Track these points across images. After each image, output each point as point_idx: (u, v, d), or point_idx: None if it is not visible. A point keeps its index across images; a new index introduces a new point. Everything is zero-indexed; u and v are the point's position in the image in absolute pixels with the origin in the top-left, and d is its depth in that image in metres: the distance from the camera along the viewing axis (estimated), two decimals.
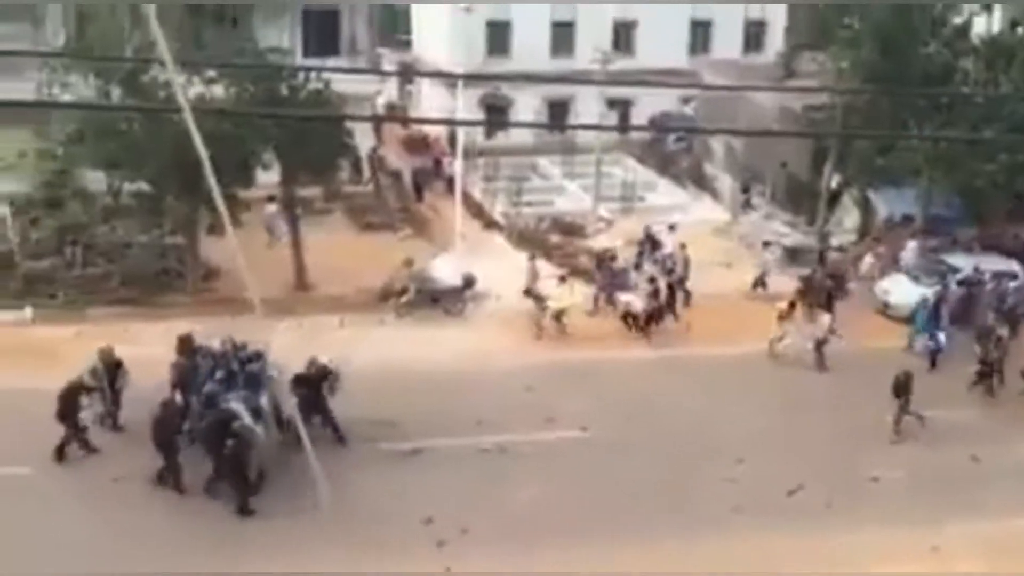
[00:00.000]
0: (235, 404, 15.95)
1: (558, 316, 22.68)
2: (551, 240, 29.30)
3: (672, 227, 25.82)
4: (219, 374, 17.02)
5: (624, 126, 37.52)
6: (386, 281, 24.43)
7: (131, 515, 15.43)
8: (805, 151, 29.96)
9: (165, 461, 15.91)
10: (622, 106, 38.36)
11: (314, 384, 17.37)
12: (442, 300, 24.18)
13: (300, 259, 24.82)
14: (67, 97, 23.19)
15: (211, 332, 18.91)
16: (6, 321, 22.12)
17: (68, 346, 20.40)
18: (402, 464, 17.18)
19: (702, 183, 35.04)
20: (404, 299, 23.98)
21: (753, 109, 30.44)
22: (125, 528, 15.10)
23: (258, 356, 17.40)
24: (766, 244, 28.51)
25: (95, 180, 25.27)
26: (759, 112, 30.40)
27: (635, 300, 23.25)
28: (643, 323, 22.84)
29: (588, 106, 34.80)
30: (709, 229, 30.18)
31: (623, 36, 39.47)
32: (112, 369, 17.74)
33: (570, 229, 30.36)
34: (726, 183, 33.77)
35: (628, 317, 23.14)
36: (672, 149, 37.54)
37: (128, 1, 21.31)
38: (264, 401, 16.49)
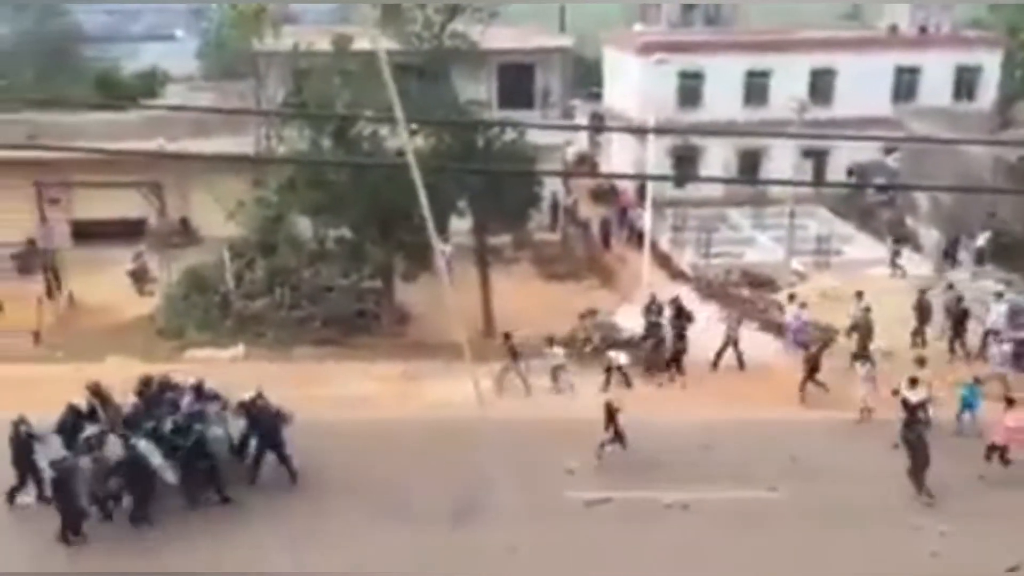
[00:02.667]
0: (145, 445, 16.30)
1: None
2: (740, 292, 28.65)
3: (859, 294, 24.53)
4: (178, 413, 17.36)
5: (819, 183, 36.27)
6: (571, 330, 24.61)
7: None
8: (1021, 204, 27.97)
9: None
10: (818, 157, 37.22)
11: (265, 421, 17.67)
12: (624, 350, 24.04)
13: (488, 306, 25.42)
14: (282, 150, 25.06)
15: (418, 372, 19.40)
16: (221, 357, 23.87)
17: (272, 382, 21.76)
18: (585, 513, 17.15)
19: (904, 237, 33.35)
20: (587, 348, 24.05)
21: (963, 160, 28.76)
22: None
23: (215, 396, 18.04)
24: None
25: (304, 227, 27.09)
26: (970, 163, 28.67)
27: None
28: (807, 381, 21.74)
29: (782, 156, 34.01)
30: (908, 285, 28.60)
31: (821, 84, 38.43)
32: (102, 403, 18.00)
33: (760, 282, 29.59)
34: (931, 237, 31.98)
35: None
36: (872, 201, 36.00)
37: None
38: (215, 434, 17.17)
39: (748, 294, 28.62)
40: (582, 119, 45.05)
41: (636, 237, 32.30)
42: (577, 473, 18.39)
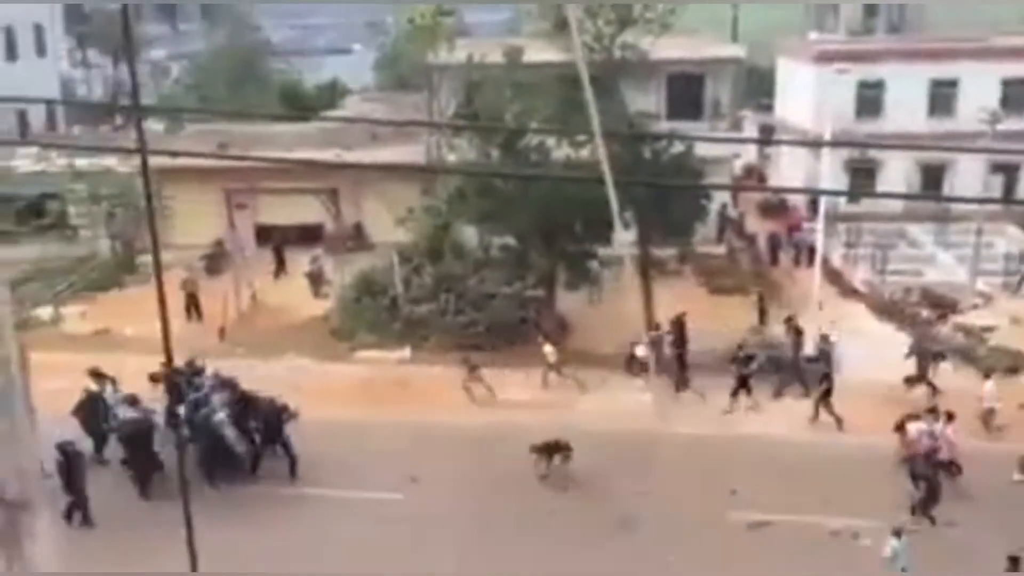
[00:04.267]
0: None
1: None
2: (919, 314, 27.16)
3: None
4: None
5: (1009, 199, 33.98)
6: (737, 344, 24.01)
7: None
8: None
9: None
10: (1008, 171, 34.88)
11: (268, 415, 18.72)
12: (791, 369, 23.26)
13: (651, 317, 25.14)
14: (452, 159, 25.71)
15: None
16: (389, 359, 24.68)
17: (436, 385, 22.38)
18: (746, 535, 16.69)
19: None
20: (752, 366, 23.38)
21: None
22: None
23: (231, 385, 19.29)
24: None
25: (470, 235, 27.67)
26: None
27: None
28: None
29: (969, 171, 32.06)
30: None
31: (1013, 94, 35.98)
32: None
33: (942, 303, 27.94)
34: None
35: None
36: None
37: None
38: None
39: (928, 315, 27.10)
40: (752, 131, 43.96)
41: (806, 252, 31.20)
42: (741, 493, 17.90)
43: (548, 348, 23.06)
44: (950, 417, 18.53)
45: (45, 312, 27.60)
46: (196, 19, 73.12)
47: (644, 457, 19.38)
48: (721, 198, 31.69)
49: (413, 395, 22.35)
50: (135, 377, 19.73)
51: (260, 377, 20.76)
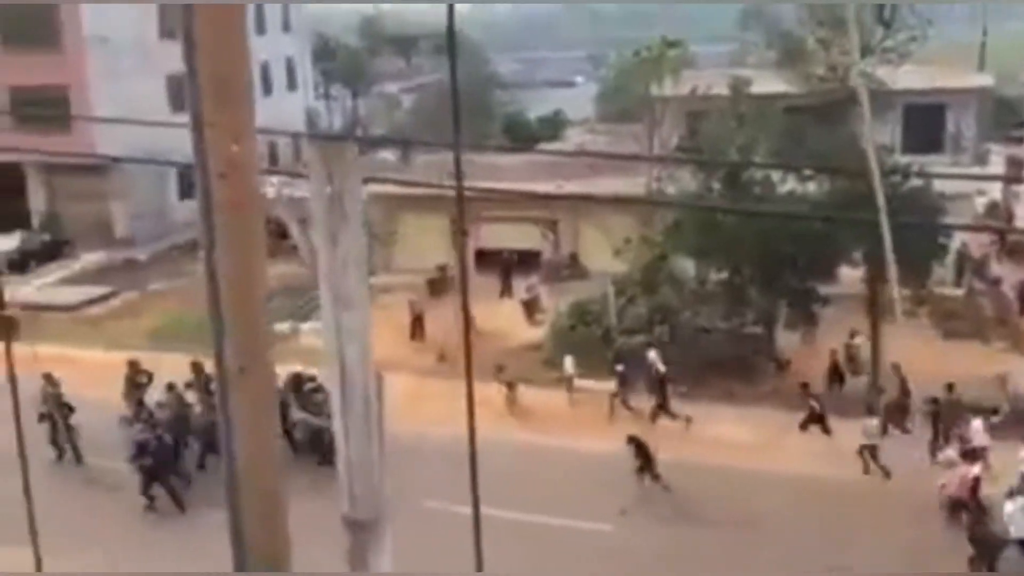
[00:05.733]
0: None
1: None
2: None
3: None
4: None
5: None
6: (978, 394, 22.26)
7: None
8: None
9: None
10: None
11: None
12: None
13: (876, 360, 23.80)
14: (671, 191, 25.51)
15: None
16: (600, 389, 24.69)
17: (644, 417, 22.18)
18: None
19: None
20: (995, 418, 21.54)
21: None
22: None
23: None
24: None
25: (686, 267, 27.29)
26: None
27: None
28: None
29: None
30: None
31: None
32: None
33: None
34: None
35: None
36: None
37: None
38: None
39: None
40: (997, 166, 40.80)
41: None
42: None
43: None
44: None
45: (284, 326, 29.73)
46: (429, 54, 76.99)
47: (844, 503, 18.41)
48: (961, 237, 29.58)
49: (622, 426, 22.20)
50: None
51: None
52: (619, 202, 29.49)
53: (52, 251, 37.63)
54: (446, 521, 17.21)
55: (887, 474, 19.68)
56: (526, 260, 33.10)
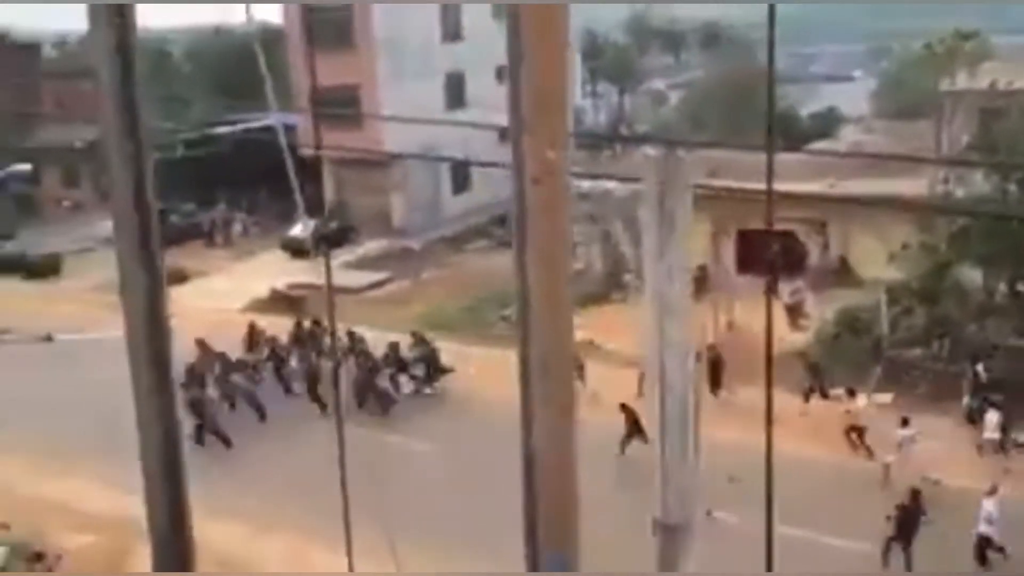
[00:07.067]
0: None
1: None
2: None
3: None
4: None
5: None
6: None
7: None
8: None
9: None
10: None
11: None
12: None
13: None
14: (960, 194, 23.48)
15: None
16: (870, 402, 23.18)
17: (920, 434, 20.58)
18: None
19: None
20: None
21: None
22: None
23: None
24: None
25: (972, 277, 25.02)
26: None
27: None
28: None
29: None
30: None
31: None
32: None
33: None
34: None
35: None
36: None
37: None
38: None
39: None
40: None
41: None
42: None
43: None
44: None
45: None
46: (697, 49, 75.93)
47: None
48: None
49: (890, 444, 20.73)
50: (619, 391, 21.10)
51: (721, 403, 20.80)
52: (899, 206, 27.52)
53: (340, 237, 40.72)
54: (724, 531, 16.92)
55: None
56: (790, 262, 31.69)
